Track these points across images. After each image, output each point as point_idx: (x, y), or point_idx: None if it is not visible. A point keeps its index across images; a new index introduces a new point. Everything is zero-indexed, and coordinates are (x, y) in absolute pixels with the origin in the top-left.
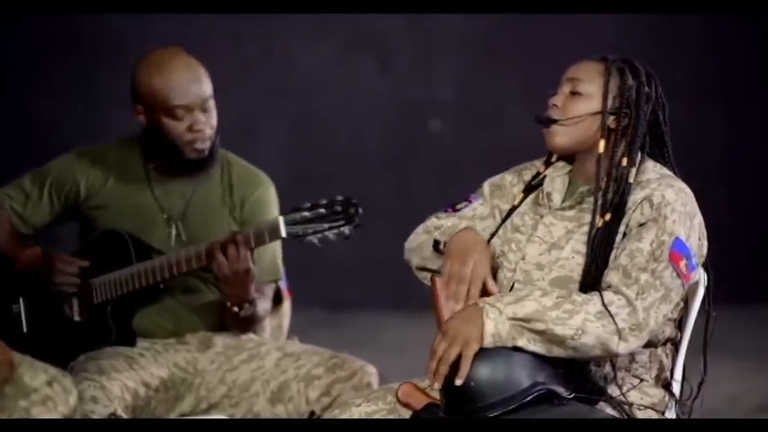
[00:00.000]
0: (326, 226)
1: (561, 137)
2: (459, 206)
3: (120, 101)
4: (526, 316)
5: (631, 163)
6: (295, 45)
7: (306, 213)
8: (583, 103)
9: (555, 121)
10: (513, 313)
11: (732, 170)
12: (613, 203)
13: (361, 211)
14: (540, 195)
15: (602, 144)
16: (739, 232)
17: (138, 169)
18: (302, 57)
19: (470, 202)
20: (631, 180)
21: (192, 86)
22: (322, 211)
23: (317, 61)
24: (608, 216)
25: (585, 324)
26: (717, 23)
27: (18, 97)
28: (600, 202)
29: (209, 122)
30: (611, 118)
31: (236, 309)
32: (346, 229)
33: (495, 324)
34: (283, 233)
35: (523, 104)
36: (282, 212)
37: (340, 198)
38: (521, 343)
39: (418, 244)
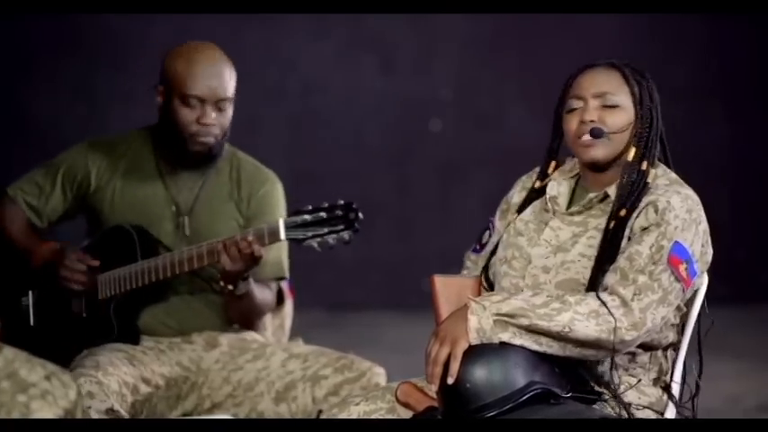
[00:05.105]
0: (326, 230)
1: (605, 150)
2: (483, 239)
3: (120, 101)
4: (511, 312)
5: (651, 165)
6: (295, 45)
7: (306, 217)
8: (622, 114)
9: (604, 134)
10: (497, 309)
11: (732, 170)
12: (630, 201)
13: (361, 216)
14: (544, 201)
15: (632, 152)
16: (739, 232)
17: (150, 160)
18: (302, 57)
19: (491, 228)
20: (650, 180)
21: (211, 81)
22: (323, 215)
23: (317, 61)
24: (623, 212)
25: (574, 322)
26: (717, 24)
27: (18, 97)
28: (620, 201)
29: (219, 122)
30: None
31: (230, 287)
32: (346, 234)
33: (479, 319)
34: (282, 236)
35: (524, 105)
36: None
37: (341, 203)
38: (505, 337)
39: None
